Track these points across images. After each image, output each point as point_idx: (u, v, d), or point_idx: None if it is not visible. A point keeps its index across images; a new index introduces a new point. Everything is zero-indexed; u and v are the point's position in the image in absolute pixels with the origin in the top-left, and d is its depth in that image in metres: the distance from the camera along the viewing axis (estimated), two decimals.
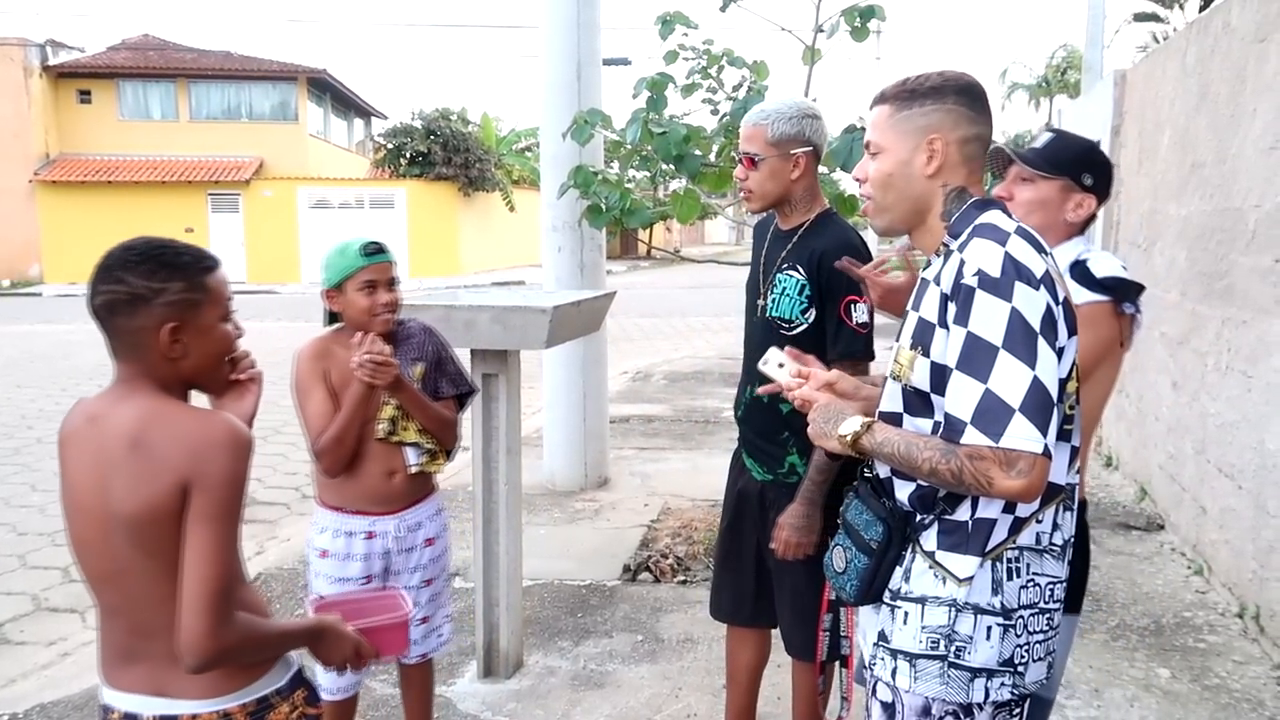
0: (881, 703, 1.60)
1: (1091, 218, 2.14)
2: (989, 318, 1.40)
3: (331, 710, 2.52)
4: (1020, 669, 1.52)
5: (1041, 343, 1.39)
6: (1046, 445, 1.37)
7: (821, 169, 4.22)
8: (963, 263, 1.45)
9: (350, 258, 2.42)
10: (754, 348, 2.51)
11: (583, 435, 5.81)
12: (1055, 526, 1.54)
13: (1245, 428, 3.82)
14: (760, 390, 1.88)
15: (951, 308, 1.45)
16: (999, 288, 1.41)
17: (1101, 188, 2.12)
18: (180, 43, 28.88)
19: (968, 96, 1.56)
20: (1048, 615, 1.54)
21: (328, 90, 29.25)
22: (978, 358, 1.40)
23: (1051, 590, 1.54)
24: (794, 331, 2.41)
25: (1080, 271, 2.02)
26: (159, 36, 29.15)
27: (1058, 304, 1.44)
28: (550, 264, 5.67)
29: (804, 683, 2.66)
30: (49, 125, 25.95)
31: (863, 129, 3.85)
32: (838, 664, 1.84)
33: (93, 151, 26.14)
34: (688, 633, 3.75)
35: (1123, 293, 2.01)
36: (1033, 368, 1.38)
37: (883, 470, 1.61)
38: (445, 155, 26.56)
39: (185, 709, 1.45)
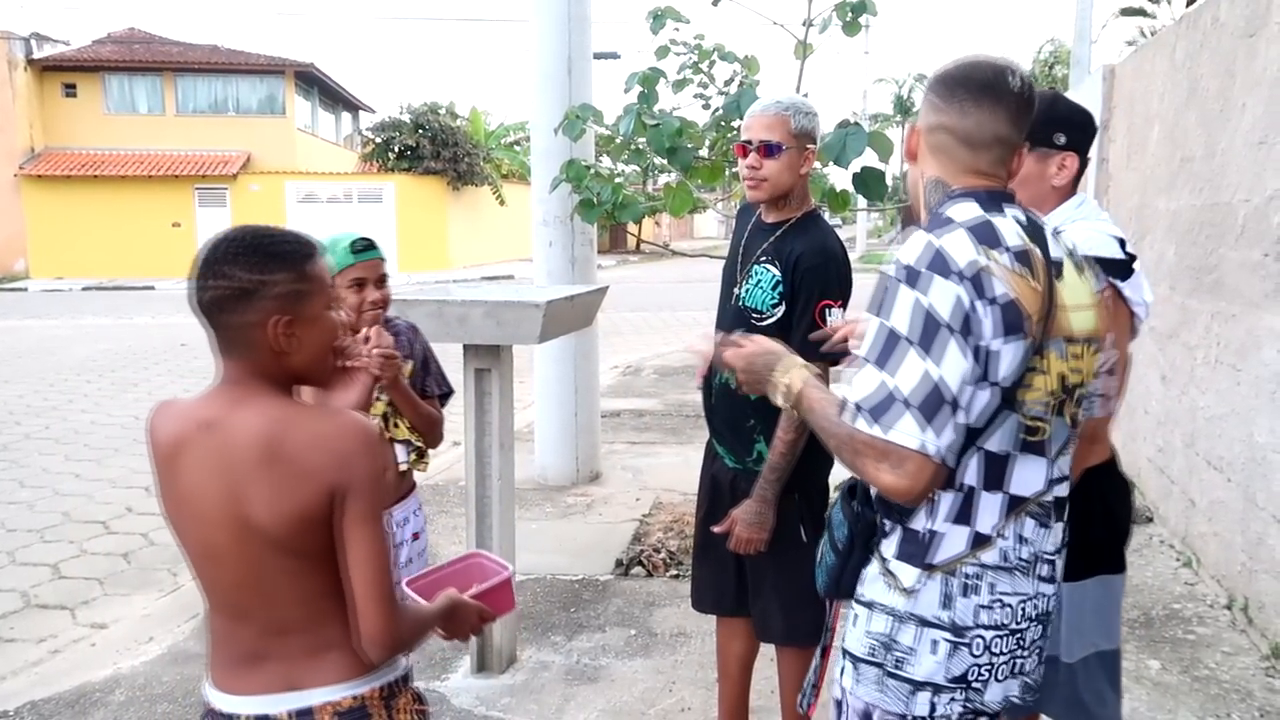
0: (834, 699, 1.63)
1: (1079, 173, 2.07)
2: (901, 309, 1.37)
3: None
4: (976, 686, 1.48)
5: (953, 339, 1.34)
6: (935, 446, 1.33)
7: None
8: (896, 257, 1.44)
9: (339, 254, 2.40)
10: (722, 334, 2.54)
11: (574, 430, 5.81)
12: (1021, 540, 1.47)
13: (1234, 421, 3.85)
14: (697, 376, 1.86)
15: (878, 298, 1.43)
16: (914, 279, 1.38)
17: (1076, 140, 2.04)
18: (166, 36, 28.69)
19: (941, 85, 1.52)
20: (1017, 635, 1.48)
21: (315, 84, 29.10)
22: (884, 348, 1.38)
23: (1023, 609, 1.48)
24: (764, 322, 2.46)
25: None
26: (145, 30, 28.94)
27: (986, 301, 1.36)
28: (541, 258, 5.66)
29: (793, 670, 2.68)
30: (34, 119, 25.74)
31: (856, 124, 3.86)
32: (817, 651, 1.85)
33: (78, 145, 25.96)
34: (680, 626, 3.75)
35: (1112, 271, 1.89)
36: (938, 364, 1.34)
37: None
38: (434, 149, 26.47)
39: (320, 698, 1.43)
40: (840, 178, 4.35)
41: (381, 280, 2.45)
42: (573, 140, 4.72)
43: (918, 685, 1.47)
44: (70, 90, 26.34)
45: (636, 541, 4.72)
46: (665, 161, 4.33)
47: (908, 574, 1.48)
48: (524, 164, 28.69)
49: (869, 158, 3.87)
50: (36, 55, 25.80)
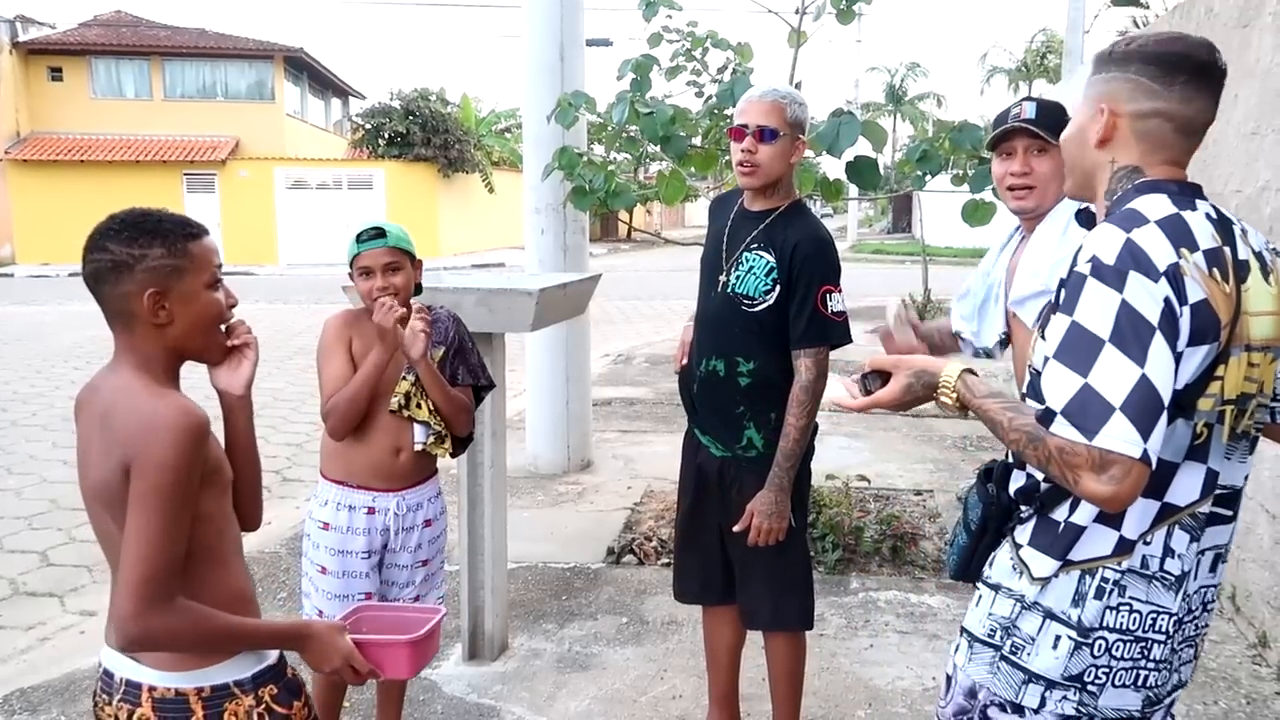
0: (946, 673, 1.63)
1: None
2: (1097, 307, 1.28)
3: (322, 684, 2.55)
4: (1092, 689, 1.43)
5: (1158, 339, 1.26)
6: (1146, 451, 1.23)
7: (806, 152, 4.24)
8: (1081, 248, 1.35)
9: (351, 244, 2.49)
10: (711, 322, 2.58)
11: (565, 418, 5.81)
12: (1168, 552, 1.41)
13: None
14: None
15: (1064, 295, 1.34)
16: (1111, 276, 1.29)
17: None
18: (153, 20, 28.43)
19: (1157, 66, 1.40)
20: (1143, 645, 1.42)
21: (305, 69, 28.90)
22: (1080, 349, 1.28)
23: (1154, 620, 1.42)
24: (755, 308, 2.49)
25: (1085, 217, 1.92)
26: (131, 13, 28.67)
27: (1183, 304, 1.29)
28: (533, 246, 5.64)
29: (785, 656, 2.70)
30: (19, 103, 25.49)
31: (850, 113, 3.85)
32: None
33: (65, 130, 25.71)
34: (672, 615, 3.76)
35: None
36: (1142, 365, 1.25)
37: (1012, 458, 1.54)
38: (424, 136, 26.33)
39: (146, 678, 1.47)
40: (832, 166, 4.35)
41: (391, 268, 2.47)
42: (565, 128, 4.70)
43: (1031, 676, 1.45)
44: (56, 74, 26.08)
45: (628, 530, 4.73)
46: (659, 149, 4.32)
47: (1041, 564, 1.44)
48: (515, 151, 28.63)
49: (862, 146, 3.87)
50: (22, 38, 25.52)
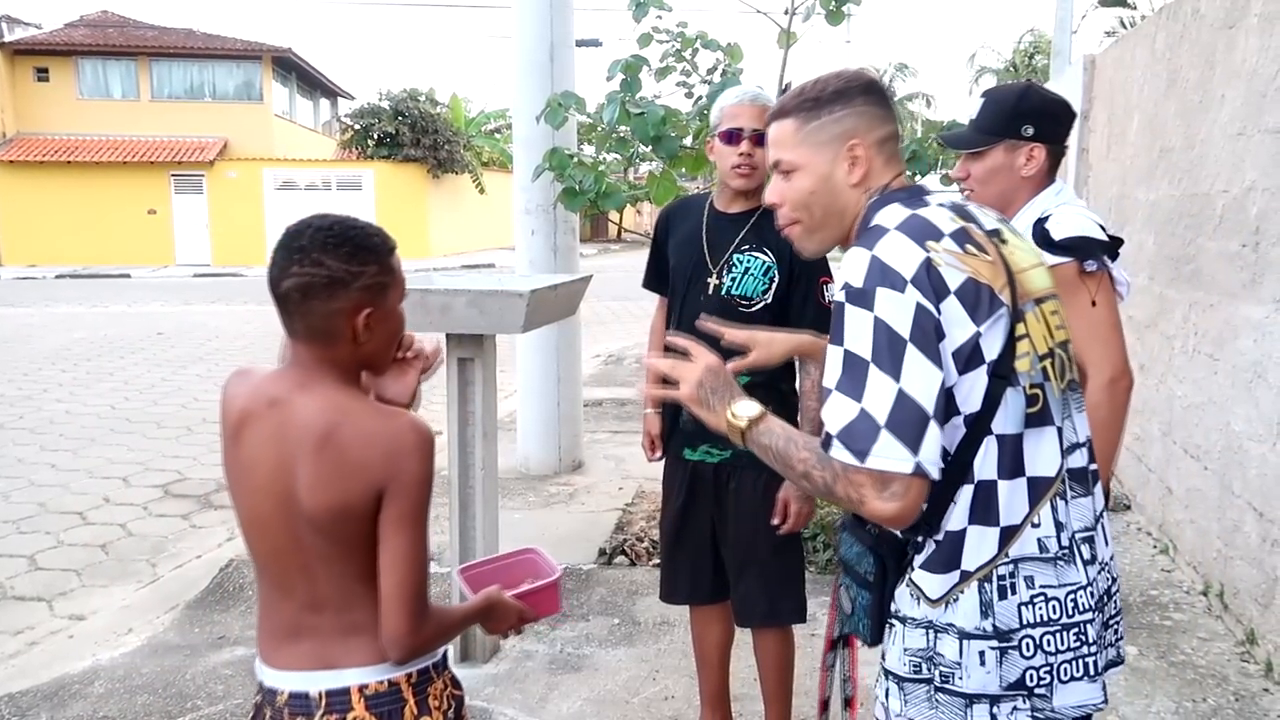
0: (876, 718, 1.53)
1: (1055, 162, 2.11)
2: (856, 331, 1.31)
3: None
4: (1039, 691, 1.37)
5: (911, 351, 1.28)
6: (919, 464, 1.27)
7: None
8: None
9: None
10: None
11: (556, 419, 5.80)
12: (1059, 527, 1.39)
13: (1211, 410, 3.89)
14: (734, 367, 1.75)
15: (832, 327, 1.37)
16: (862, 298, 1.31)
17: (1045, 130, 2.08)
18: (140, 20, 28.29)
19: (875, 95, 1.48)
20: (1075, 630, 1.38)
21: (293, 70, 28.81)
22: (852, 374, 1.31)
23: (1074, 600, 1.38)
24: (753, 308, 2.52)
25: (1039, 233, 1.98)
26: (118, 13, 28.53)
27: (941, 298, 1.31)
28: (523, 247, 5.63)
29: (777, 652, 2.72)
30: (5, 104, 25.35)
31: None
32: (842, 706, 1.84)
33: (51, 131, 25.58)
34: (664, 615, 3.76)
35: (1085, 251, 1.96)
36: (897, 380, 1.28)
37: None
38: (414, 136, 26.28)
39: (353, 679, 1.47)
40: None
41: None
42: (555, 128, 4.69)
43: (971, 698, 1.38)
44: (42, 74, 25.94)
45: (619, 530, 4.73)
46: (649, 150, 4.32)
47: (932, 584, 1.39)
48: (505, 152, 28.56)
49: None
50: (7, 38, 25.37)
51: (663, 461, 2.84)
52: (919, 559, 1.41)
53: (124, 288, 19.65)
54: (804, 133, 1.48)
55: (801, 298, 2.52)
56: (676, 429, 2.71)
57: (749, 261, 2.53)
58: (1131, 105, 5.23)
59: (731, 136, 2.51)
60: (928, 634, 1.40)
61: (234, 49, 26.70)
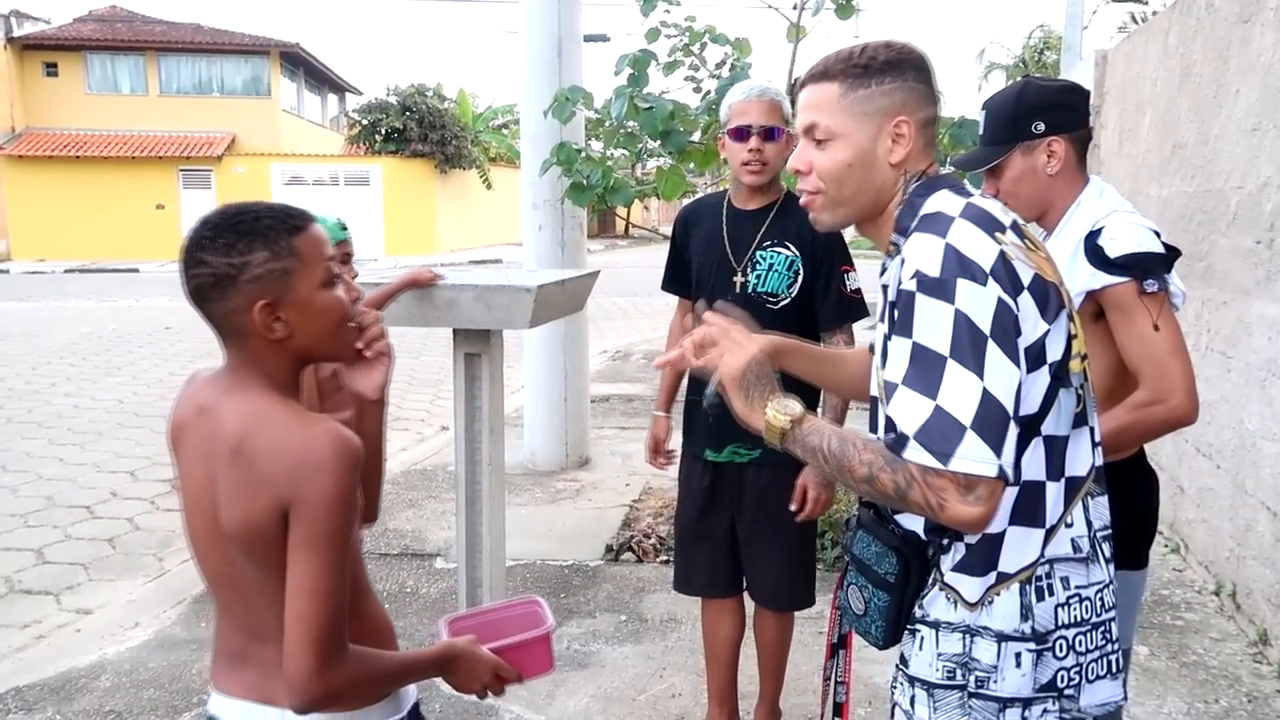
0: None
1: (1081, 151, 1.98)
2: (933, 324, 1.24)
3: None
4: (1068, 692, 1.35)
5: (992, 348, 1.22)
6: (1002, 467, 1.21)
7: None
8: (903, 263, 1.30)
9: (334, 228, 2.50)
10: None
11: (563, 415, 5.79)
12: (1089, 526, 1.37)
13: (1224, 408, 3.86)
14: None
15: (897, 316, 1.29)
16: (941, 289, 1.24)
17: (1055, 120, 1.94)
18: (149, 15, 28.34)
19: (925, 73, 1.39)
20: (1102, 629, 1.37)
21: (301, 65, 28.83)
22: (925, 370, 1.24)
23: (1102, 599, 1.37)
24: (779, 305, 2.54)
25: (1092, 249, 1.85)
26: (127, 8, 28.59)
27: (1017, 292, 1.26)
28: (531, 242, 5.62)
29: (783, 632, 2.80)
30: (14, 99, 25.41)
31: None
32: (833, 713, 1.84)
33: (60, 126, 25.65)
34: (671, 612, 3.75)
35: (1144, 269, 1.82)
36: (981, 378, 1.21)
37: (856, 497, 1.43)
38: (421, 132, 26.28)
39: None
40: None
41: (346, 259, 2.47)
42: (562, 123, 4.67)
43: (1005, 702, 1.35)
44: (51, 69, 26.01)
45: (626, 527, 4.71)
46: (657, 145, 4.30)
47: (969, 586, 1.34)
48: (512, 147, 28.57)
49: None
50: (16, 33, 25.43)
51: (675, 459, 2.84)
52: (949, 562, 1.37)
53: (132, 282, 19.70)
54: (849, 100, 1.37)
55: (823, 288, 2.55)
56: (694, 427, 2.70)
57: (772, 257, 2.55)
58: (1144, 101, 5.19)
59: (740, 133, 2.51)
60: (964, 639, 1.35)
61: (242, 44, 26.73)
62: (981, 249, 1.26)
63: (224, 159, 25.68)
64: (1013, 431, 1.23)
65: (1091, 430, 1.39)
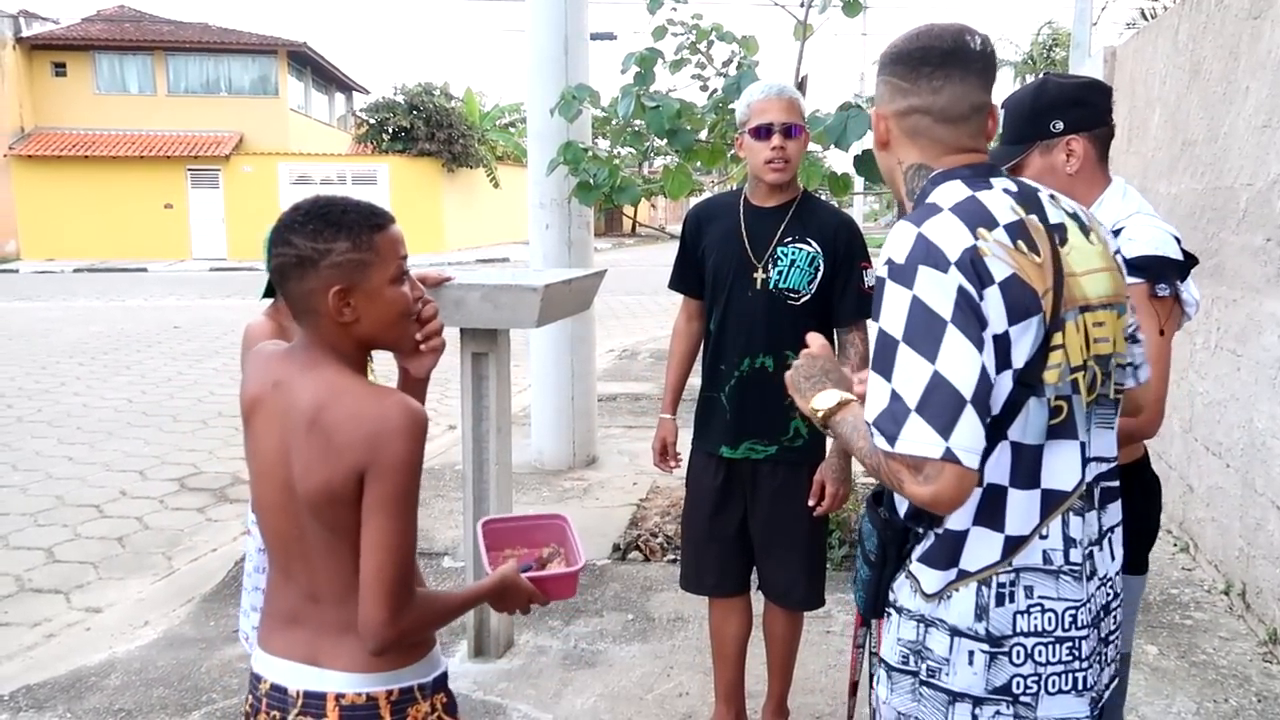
0: (871, 706, 1.54)
1: (1103, 149, 1.95)
2: (894, 309, 1.27)
3: None
4: (1026, 700, 1.36)
5: (951, 331, 1.23)
6: (949, 449, 1.22)
7: (814, 147, 4.22)
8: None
9: None
10: (755, 321, 2.60)
11: (570, 414, 5.79)
12: (1068, 542, 1.36)
13: (1234, 406, 3.84)
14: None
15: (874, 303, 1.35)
16: (903, 275, 1.27)
17: (1074, 118, 1.91)
18: (157, 15, 28.42)
19: (902, 65, 1.41)
20: (1068, 644, 1.36)
21: (308, 64, 28.87)
22: (884, 354, 1.27)
23: (1073, 616, 1.36)
24: (800, 301, 2.57)
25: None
26: (135, 8, 28.67)
27: (984, 285, 1.26)
28: (538, 241, 5.62)
29: (794, 629, 2.81)
30: (23, 98, 25.51)
31: (857, 106, 3.82)
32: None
33: (68, 126, 25.74)
34: (678, 611, 3.75)
35: (1158, 272, 1.81)
36: (932, 361, 1.23)
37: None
38: (428, 131, 26.31)
39: (332, 685, 1.42)
40: (839, 160, 4.32)
41: None
42: (568, 121, 4.67)
43: (955, 696, 1.37)
44: (60, 69, 26.10)
45: (633, 526, 4.71)
46: (664, 143, 4.29)
47: (929, 578, 1.38)
48: (519, 146, 28.56)
49: (869, 140, 3.84)
50: (25, 33, 25.52)
51: (686, 456, 2.84)
52: (918, 550, 1.41)
53: (140, 282, 19.77)
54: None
55: (842, 284, 2.57)
56: (710, 424, 2.71)
57: (794, 253, 2.56)
58: (1153, 98, 5.16)
59: (762, 131, 2.52)
60: (919, 627, 1.39)
61: (249, 43, 26.79)
62: (951, 239, 1.28)
63: (231, 158, 25.74)
64: (970, 414, 1.23)
65: (1084, 446, 1.37)
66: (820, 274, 2.55)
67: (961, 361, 1.24)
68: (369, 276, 1.39)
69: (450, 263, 20.92)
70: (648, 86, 4.26)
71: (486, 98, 31.98)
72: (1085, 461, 1.38)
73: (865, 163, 3.92)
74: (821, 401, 1.45)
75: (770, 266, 2.57)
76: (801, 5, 4.39)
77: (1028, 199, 1.38)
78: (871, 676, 1.62)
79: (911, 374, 1.25)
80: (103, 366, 9.70)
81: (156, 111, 26.20)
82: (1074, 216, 1.43)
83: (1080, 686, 1.38)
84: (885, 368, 1.28)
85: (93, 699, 3.19)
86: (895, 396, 1.26)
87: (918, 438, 1.23)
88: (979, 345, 1.25)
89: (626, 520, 4.80)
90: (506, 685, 3.22)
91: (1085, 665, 1.38)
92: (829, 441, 2.54)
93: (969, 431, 1.23)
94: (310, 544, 1.42)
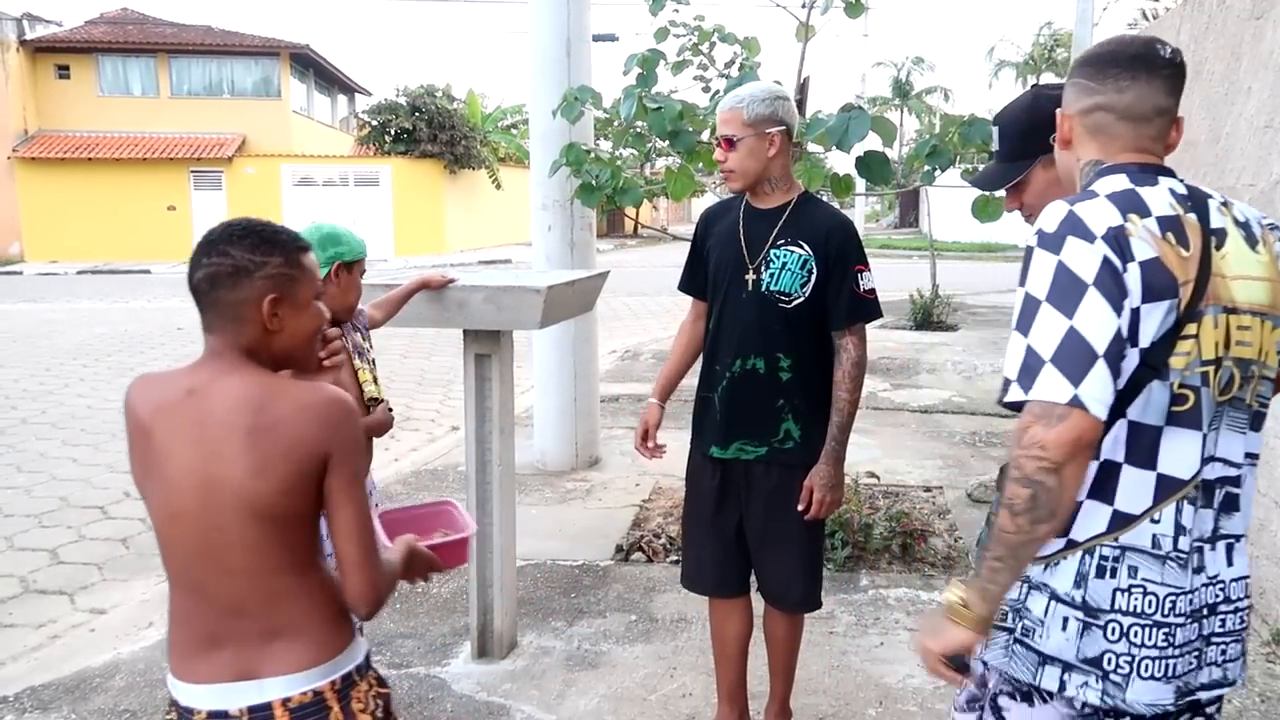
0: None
1: None
2: (1039, 272, 1.37)
3: None
4: (1116, 678, 1.40)
5: (1092, 294, 1.32)
6: (1077, 395, 1.29)
7: (815, 148, 4.22)
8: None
9: (363, 243, 2.49)
10: (746, 323, 2.60)
11: (573, 415, 5.80)
12: (1179, 530, 1.39)
13: None
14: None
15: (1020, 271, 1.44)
16: (1051, 242, 1.37)
17: None
18: (160, 17, 28.47)
19: (1090, 66, 1.51)
20: (1165, 630, 1.39)
21: (311, 66, 28.91)
22: (1026, 314, 1.36)
23: (1173, 603, 1.40)
24: (791, 303, 2.55)
25: None
26: (138, 11, 28.73)
27: (1128, 261, 1.34)
28: (540, 242, 5.63)
29: (795, 632, 2.80)
30: (27, 101, 25.56)
31: (859, 108, 3.83)
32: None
33: (72, 128, 25.79)
34: (681, 612, 3.75)
35: None
36: (1070, 317, 1.32)
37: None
38: (430, 132, 26.32)
39: (276, 692, 1.44)
40: (840, 161, 4.33)
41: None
42: (570, 123, 4.68)
43: (1046, 658, 1.43)
44: (63, 72, 26.15)
45: (636, 527, 4.72)
46: (666, 145, 4.30)
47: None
48: (521, 148, 28.57)
49: (871, 141, 3.85)
50: (29, 36, 25.57)
51: (676, 457, 2.84)
52: None
53: (144, 283, 19.80)
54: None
55: (836, 287, 2.54)
56: (703, 424, 2.71)
57: (786, 256, 2.55)
58: None
59: (718, 143, 2.58)
60: (1022, 587, 1.45)
61: (252, 45, 26.82)
62: (1101, 217, 1.37)
63: (235, 160, 25.78)
64: (1101, 368, 1.31)
65: (1206, 440, 1.40)
66: (814, 277, 2.53)
67: (1098, 319, 1.32)
68: (296, 291, 1.49)
69: (452, 264, 20.94)
70: (650, 88, 4.27)
71: (489, 99, 31.99)
72: (1206, 456, 1.41)
73: (867, 164, 3.93)
74: (955, 592, 1.42)
75: (763, 269, 2.56)
76: (803, 6, 4.40)
77: (1194, 201, 1.44)
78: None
79: (1049, 329, 1.33)
80: (106, 368, 9.71)
81: (159, 114, 26.25)
82: (1243, 225, 1.48)
83: (1170, 674, 1.41)
84: (1025, 326, 1.36)
85: (97, 700, 3.20)
86: (1031, 351, 1.34)
87: (1051, 384, 1.31)
88: (1117, 309, 1.33)
89: (629, 521, 4.81)
90: (510, 686, 3.23)
91: (1178, 653, 1.41)
92: (829, 447, 2.56)
93: (1099, 383, 1.31)
94: (231, 550, 1.42)
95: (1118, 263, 1.34)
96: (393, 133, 26.65)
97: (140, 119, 26.08)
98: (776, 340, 2.55)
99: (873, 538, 4.28)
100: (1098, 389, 1.30)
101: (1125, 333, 1.34)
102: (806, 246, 2.54)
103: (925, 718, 3.03)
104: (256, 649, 1.45)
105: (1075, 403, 1.29)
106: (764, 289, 2.55)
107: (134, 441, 1.49)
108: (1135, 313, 1.34)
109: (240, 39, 26.96)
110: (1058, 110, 1.55)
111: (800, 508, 2.58)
